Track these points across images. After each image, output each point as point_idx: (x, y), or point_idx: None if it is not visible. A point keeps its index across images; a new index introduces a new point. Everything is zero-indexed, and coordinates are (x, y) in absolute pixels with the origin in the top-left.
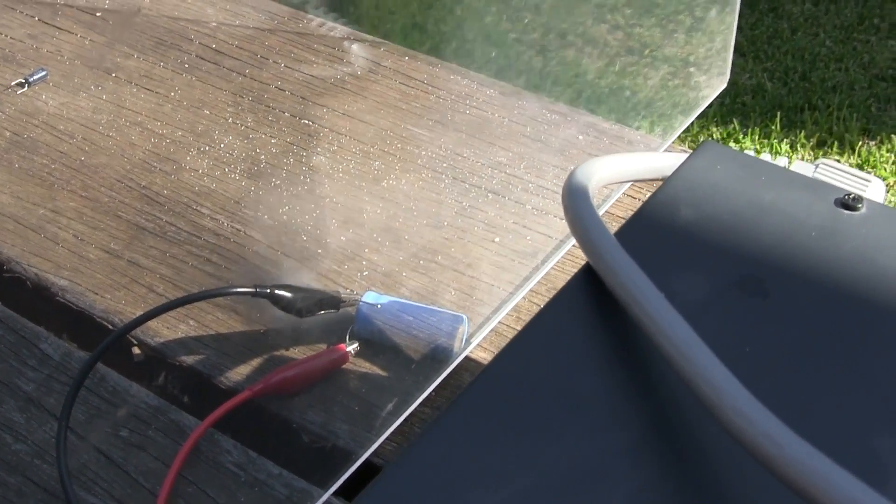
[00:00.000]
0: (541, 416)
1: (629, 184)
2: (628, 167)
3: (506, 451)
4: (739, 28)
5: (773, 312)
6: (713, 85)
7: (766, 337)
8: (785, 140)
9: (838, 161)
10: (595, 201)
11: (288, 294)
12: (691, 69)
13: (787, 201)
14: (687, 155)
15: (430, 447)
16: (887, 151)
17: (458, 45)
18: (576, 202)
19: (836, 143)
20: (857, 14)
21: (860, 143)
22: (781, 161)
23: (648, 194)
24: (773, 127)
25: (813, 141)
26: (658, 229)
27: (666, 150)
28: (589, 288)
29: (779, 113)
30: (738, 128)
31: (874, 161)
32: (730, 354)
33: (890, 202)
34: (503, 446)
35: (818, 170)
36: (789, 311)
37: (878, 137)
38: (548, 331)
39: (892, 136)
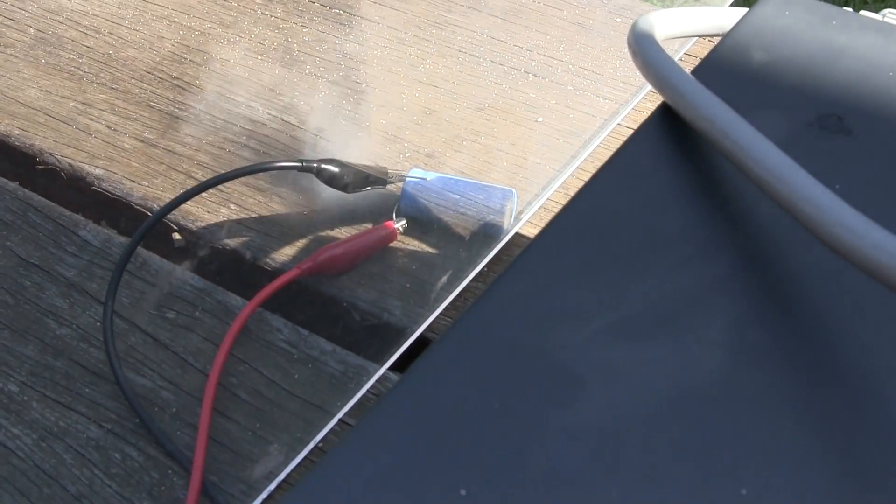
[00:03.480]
0: (628, 251)
1: (687, 47)
2: (692, 19)
3: (593, 287)
4: None
5: (858, 149)
6: None
7: (854, 172)
8: None
9: None
10: None
11: (334, 168)
12: None
13: (861, 43)
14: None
15: (512, 283)
16: None
17: None
18: (645, 46)
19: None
20: None
21: None
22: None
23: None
24: None
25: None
26: (731, 71)
27: None
28: (666, 126)
29: None
30: None
31: None
32: None
33: None
34: (589, 282)
35: (886, 18)
36: (874, 147)
37: None
38: (627, 168)
39: None
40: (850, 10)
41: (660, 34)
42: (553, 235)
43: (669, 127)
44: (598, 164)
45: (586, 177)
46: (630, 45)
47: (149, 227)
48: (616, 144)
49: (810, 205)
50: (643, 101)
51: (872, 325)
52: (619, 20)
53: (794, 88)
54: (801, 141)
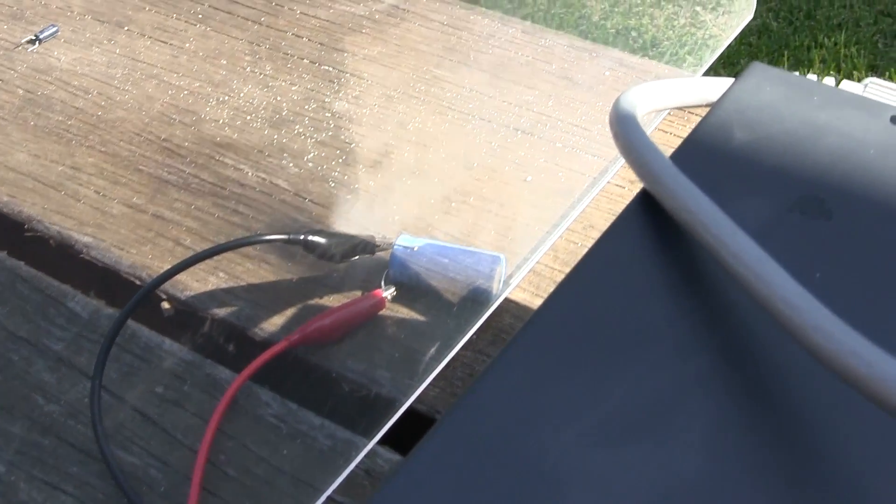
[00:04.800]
0: (607, 348)
1: (662, 118)
2: (674, 93)
3: (574, 387)
4: None
5: (839, 234)
6: (737, 19)
7: (834, 260)
8: None
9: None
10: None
11: (321, 240)
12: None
13: (842, 120)
14: (732, 79)
15: (491, 388)
16: None
17: None
18: (626, 127)
19: (844, 81)
20: None
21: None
22: (829, 81)
23: (681, 127)
24: (781, 66)
25: (821, 79)
26: (712, 152)
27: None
28: (646, 214)
29: (785, 52)
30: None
31: None
32: (800, 279)
33: None
34: (570, 382)
35: (867, 89)
36: (855, 231)
37: (886, 73)
38: (607, 261)
39: None
40: (833, 80)
41: (642, 109)
42: (535, 332)
43: (651, 213)
44: (587, 223)
45: (575, 237)
46: (611, 126)
47: (137, 302)
48: (605, 203)
49: (788, 307)
50: None
51: (850, 430)
52: (608, 74)
53: (776, 170)
54: (782, 226)
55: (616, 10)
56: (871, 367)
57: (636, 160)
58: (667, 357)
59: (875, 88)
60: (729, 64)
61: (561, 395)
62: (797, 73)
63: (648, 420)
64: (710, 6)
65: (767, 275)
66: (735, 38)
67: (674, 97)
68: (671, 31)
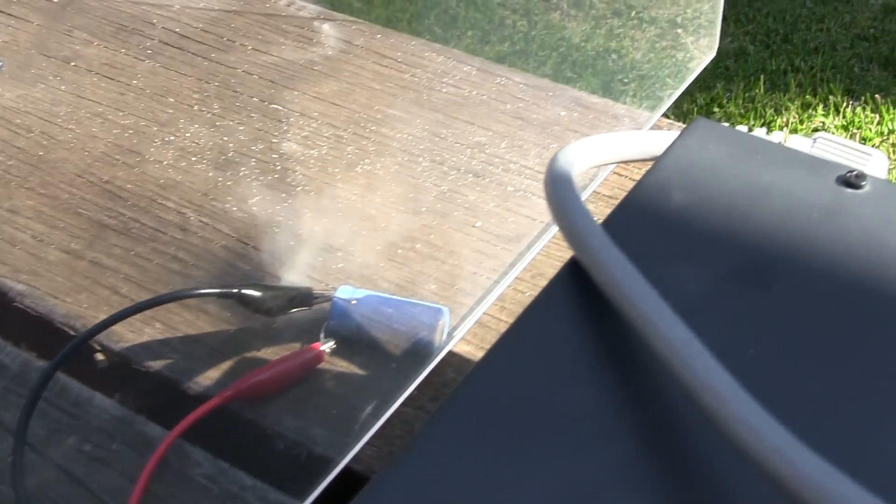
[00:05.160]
0: (528, 432)
1: (613, 165)
2: (614, 148)
3: (489, 476)
4: None
5: (777, 305)
6: (700, 57)
7: (770, 334)
8: (769, 104)
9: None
10: (580, 182)
11: (256, 293)
12: (678, 31)
13: (786, 181)
14: (676, 133)
15: (407, 471)
16: (871, 112)
17: (440, 12)
18: (559, 190)
19: (820, 104)
20: None
21: (844, 104)
22: (777, 136)
23: (636, 171)
24: (757, 90)
25: (797, 103)
26: (648, 217)
27: (654, 126)
28: (576, 284)
29: (762, 76)
30: (721, 92)
31: (859, 122)
32: (732, 356)
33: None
34: (485, 470)
35: (816, 144)
36: (794, 302)
37: (862, 98)
38: (532, 334)
39: (876, 96)
40: (780, 135)
41: (581, 167)
42: (453, 413)
43: (579, 283)
44: (536, 272)
45: (523, 286)
46: (545, 186)
47: (67, 354)
48: (555, 250)
49: (710, 395)
50: (589, 202)
51: None
52: (563, 114)
53: (715, 236)
54: (718, 297)
55: (597, 31)
56: (794, 466)
57: (565, 226)
58: (589, 444)
59: (824, 144)
60: (705, 88)
61: (478, 482)
62: (742, 129)
63: None
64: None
65: (691, 358)
66: (710, 63)
67: (615, 153)
68: (652, 54)
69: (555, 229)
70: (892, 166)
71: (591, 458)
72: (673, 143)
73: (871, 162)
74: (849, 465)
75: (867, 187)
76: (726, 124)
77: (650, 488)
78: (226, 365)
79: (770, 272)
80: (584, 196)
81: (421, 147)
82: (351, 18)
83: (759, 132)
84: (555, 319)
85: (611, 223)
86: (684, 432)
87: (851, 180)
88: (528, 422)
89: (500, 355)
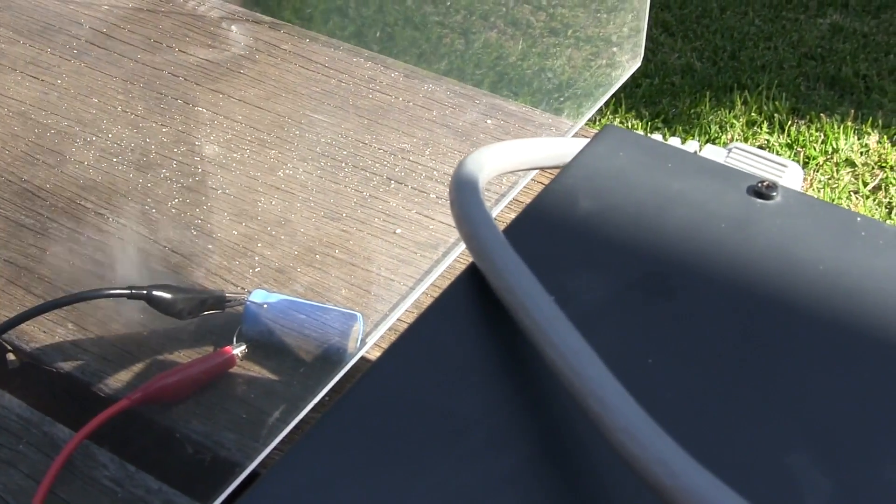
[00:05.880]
0: (417, 438)
1: (534, 172)
2: (524, 154)
3: (378, 479)
4: (668, 7)
5: (679, 315)
6: (626, 67)
7: (670, 344)
8: (714, 120)
9: (767, 141)
10: (499, 187)
11: (167, 295)
12: (613, 49)
13: (696, 190)
14: (587, 140)
15: (292, 475)
16: (816, 130)
17: (379, 29)
18: (462, 194)
19: (765, 122)
20: None
21: (790, 122)
22: (692, 145)
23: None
24: (703, 107)
25: (743, 121)
26: (553, 223)
27: (576, 134)
28: (475, 289)
29: (708, 93)
30: (667, 108)
31: (804, 140)
32: (630, 365)
33: (820, 182)
34: (375, 473)
35: (731, 155)
36: (696, 312)
37: (808, 116)
38: (429, 338)
39: (822, 115)
40: (696, 144)
41: (489, 173)
42: (338, 419)
43: (477, 290)
44: (452, 278)
45: (438, 294)
46: (450, 191)
47: None
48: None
49: (597, 403)
50: (508, 210)
51: None
52: (489, 122)
53: (620, 244)
54: (620, 306)
55: (533, 50)
56: (676, 477)
57: (465, 232)
58: (478, 451)
59: (739, 154)
60: (651, 103)
61: (363, 490)
62: (655, 137)
63: None
64: (612, 47)
65: (579, 365)
66: (657, 79)
67: (524, 159)
68: (587, 72)
69: None
70: (834, 184)
71: (481, 464)
72: (582, 149)
73: (787, 173)
74: (737, 478)
75: (778, 198)
76: (639, 132)
77: (539, 495)
78: (137, 367)
79: (674, 281)
80: (502, 204)
81: (344, 152)
82: (279, 21)
83: (674, 141)
84: (451, 324)
85: (514, 230)
86: (574, 440)
87: (762, 191)
88: (418, 425)
89: (394, 358)
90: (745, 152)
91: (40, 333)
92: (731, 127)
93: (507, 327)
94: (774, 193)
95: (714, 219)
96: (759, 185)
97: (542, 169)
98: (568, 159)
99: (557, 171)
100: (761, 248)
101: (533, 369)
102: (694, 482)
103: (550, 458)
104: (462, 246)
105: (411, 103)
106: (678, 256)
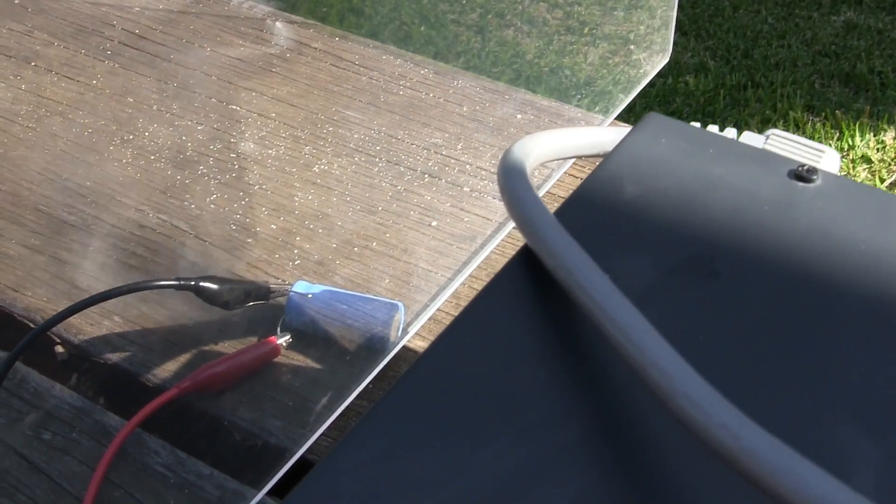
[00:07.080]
0: (477, 413)
1: (570, 162)
2: (568, 142)
3: (439, 453)
4: (681, 6)
5: (726, 294)
6: (654, 62)
7: (719, 322)
8: (729, 119)
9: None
10: (534, 181)
11: (213, 286)
12: (631, 46)
13: (737, 174)
14: (629, 128)
15: (355, 451)
16: (832, 128)
17: (396, 28)
18: (512, 180)
19: (780, 120)
20: None
21: (804, 119)
22: (730, 132)
23: (590, 171)
24: (717, 105)
25: (757, 119)
26: (600, 208)
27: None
28: (527, 271)
29: (722, 91)
30: (681, 107)
31: (819, 138)
32: (681, 342)
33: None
34: (436, 447)
35: (769, 141)
36: (743, 292)
37: (822, 114)
38: (483, 319)
39: (836, 112)
40: (734, 132)
41: (534, 161)
42: (401, 396)
43: (531, 270)
44: (491, 269)
45: (478, 284)
46: (499, 177)
47: (26, 345)
48: (510, 249)
49: (658, 372)
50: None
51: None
52: (519, 116)
53: (665, 227)
54: (668, 286)
55: (550, 48)
56: (738, 439)
57: (518, 215)
58: (536, 424)
59: (777, 140)
60: (665, 102)
61: (425, 463)
62: (695, 124)
63: (512, 494)
64: (640, 44)
65: (638, 337)
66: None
67: (567, 147)
68: (605, 70)
69: (508, 228)
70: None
71: (540, 441)
72: (625, 136)
73: (824, 158)
74: (792, 443)
75: (818, 182)
76: (678, 120)
77: (600, 469)
78: (183, 357)
79: (720, 262)
80: (539, 194)
81: (377, 148)
82: (309, 21)
83: (713, 128)
84: (505, 304)
85: (562, 214)
86: (634, 414)
87: (803, 174)
88: (476, 405)
89: (449, 340)
90: (782, 138)
91: (88, 326)
92: (746, 125)
93: (559, 307)
94: (815, 177)
95: (756, 202)
96: (800, 168)
97: (585, 157)
98: (609, 147)
99: (596, 161)
100: (804, 229)
101: (587, 347)
102: (755, 443)
103: (607, 430)
104: (499, 237)
105: (442, 99)
106: (723, 238)
